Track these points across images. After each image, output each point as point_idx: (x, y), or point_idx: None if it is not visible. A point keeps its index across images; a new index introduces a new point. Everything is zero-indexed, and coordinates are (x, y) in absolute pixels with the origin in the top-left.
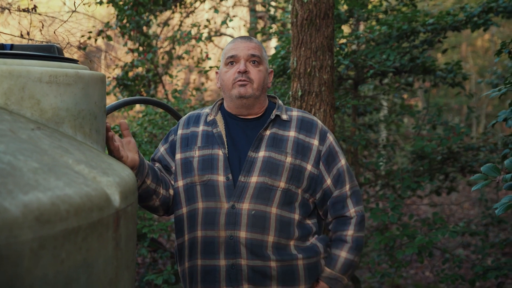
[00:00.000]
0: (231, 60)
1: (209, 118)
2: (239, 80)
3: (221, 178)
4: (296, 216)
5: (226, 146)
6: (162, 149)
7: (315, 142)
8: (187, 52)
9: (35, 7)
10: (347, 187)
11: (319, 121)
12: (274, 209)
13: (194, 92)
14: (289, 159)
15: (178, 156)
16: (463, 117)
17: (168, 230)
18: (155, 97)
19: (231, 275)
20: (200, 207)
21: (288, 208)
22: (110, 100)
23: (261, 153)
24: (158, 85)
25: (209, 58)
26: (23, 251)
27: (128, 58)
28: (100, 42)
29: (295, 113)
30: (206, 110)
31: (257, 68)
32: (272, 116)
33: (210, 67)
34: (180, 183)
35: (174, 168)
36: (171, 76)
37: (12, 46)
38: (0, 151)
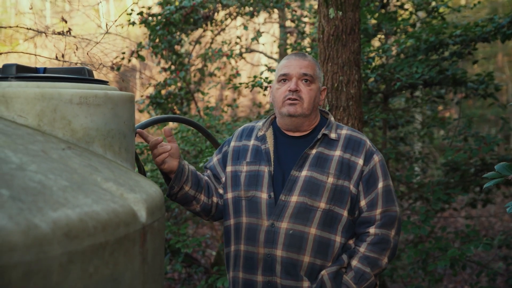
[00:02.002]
0: (283, 78)
1: (260, 133)
2: (289, 99)
3: (264, 196)
4: (338, 238)
5: (272, 164)
6: (215, 159)
7: (360, 161)
8: (218, 69)
9: (69, 30)
10: (378, 211)
11: (368, 141)
12: (313, 230)
13: (225, 109)
14: (331, 180)
15: (228, 168)
16: (499, 127)
17: (202, 246)
18: (188, 114)
19: None
20: (244, 222)
21: (329, 229)
22: (145, 118)
23: (304, 173)
24: (191, 102)
25: (239, 75)
26: (53, 266)
27: (161, 77)
28: (136, 61)
29: (344, 131)
30: (260, 123)
31: (308, 87)
32: (319, 135)
33: (240, 84)
34: (229, 195)
35: (224, 178)
36: (203, 93)
37: (45, 70)
38: (32, 170)
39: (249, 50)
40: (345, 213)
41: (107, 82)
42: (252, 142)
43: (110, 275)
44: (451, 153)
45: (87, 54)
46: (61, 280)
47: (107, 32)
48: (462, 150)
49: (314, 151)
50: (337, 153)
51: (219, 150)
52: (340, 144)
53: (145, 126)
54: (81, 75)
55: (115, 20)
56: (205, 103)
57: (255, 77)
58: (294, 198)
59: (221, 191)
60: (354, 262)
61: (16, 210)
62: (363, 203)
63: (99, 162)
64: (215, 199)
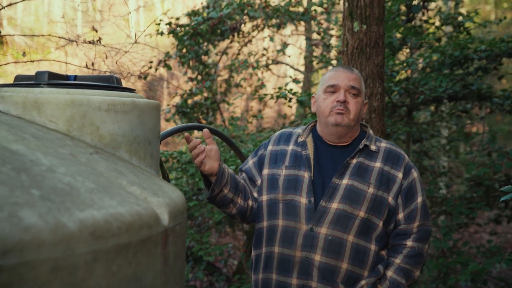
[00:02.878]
0: (331, 89)
1: (300, 139)
2: (337, 109)
3: (303, 200)
4: (373, 247)
5: (312, 170)
6: (250, 162)
7: (400, 175)
8: (243, 79)
9: (99, 39)
10: (416, 224)
11: (406, 156)
12: (351, 237)
13: (250, 119)
14: (371, 190)
15: (265, 171)
16: None
17: (225, 255)
18: (213, 123)
19: None
20: (280, 224)
21: (365, 238)
22: (171, 127)
23: (345, 181)
24: (216, 112)
25: (264, 86)
26: (79, 263)
27: (187, 87)
28: (163, 71)
29: (383, 144)
30: (298, 130)
31: (355, 100)
32: (361, 146)
33: (265, 95)
34: (265, 197)
35: (259, 181)
36: (228, 103)
37: (75, 77)
38: (61, 172)
39: (276, 62)
40: (381, 224)
41: (135, 90)
42: (290, 147)
43: (133, 274)
44: (473, 168)
45: (116, 63)
46: (86, 277)
47: (136, 42)
48: (486, 166)
49: (354, 161)
50: (377, 164)
51: (255, 153)
52: (380, 156)
53: (170, 134)
54: (109, 83)
55: (144, 30)
56: (230, 113)
57: (279, 88)
58: (334, 205)
59: (255, 194)
60: (390, 273)
61: (45, 209)
62: (401, 215)
63: (124, 166)
64: (250, 202)
